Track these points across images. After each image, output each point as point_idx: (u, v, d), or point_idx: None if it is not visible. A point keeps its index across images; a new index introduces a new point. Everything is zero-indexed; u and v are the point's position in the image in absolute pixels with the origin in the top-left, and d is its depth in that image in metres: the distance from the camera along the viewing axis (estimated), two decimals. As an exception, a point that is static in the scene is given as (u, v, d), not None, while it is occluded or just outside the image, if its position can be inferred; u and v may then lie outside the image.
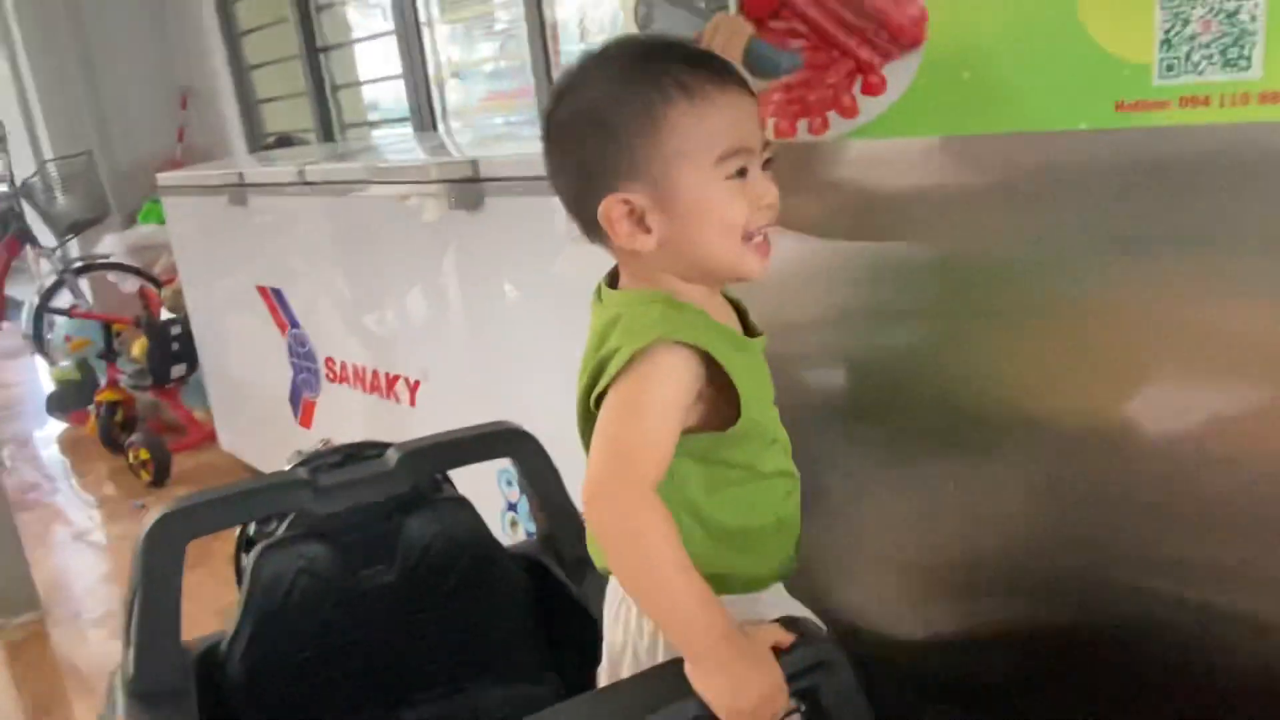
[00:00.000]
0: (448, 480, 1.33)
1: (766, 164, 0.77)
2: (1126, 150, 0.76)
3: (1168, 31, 0.71)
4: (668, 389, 0.72)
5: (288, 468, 1.24)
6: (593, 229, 0.78)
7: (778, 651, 0.73)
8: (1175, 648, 0.85)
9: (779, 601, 0.85)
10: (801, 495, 0.85)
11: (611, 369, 0.73)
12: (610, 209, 0.75)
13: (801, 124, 0.97)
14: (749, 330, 0.85)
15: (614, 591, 0.87)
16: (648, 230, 0.75)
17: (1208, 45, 0.69)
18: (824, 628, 0.80)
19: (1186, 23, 0.69)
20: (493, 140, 2.59)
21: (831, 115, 0.94)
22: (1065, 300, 0.84)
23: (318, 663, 1.18)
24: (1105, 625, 0.90)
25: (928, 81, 0.85)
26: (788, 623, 0.76)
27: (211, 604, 2.11)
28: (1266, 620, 0.79)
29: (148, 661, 1.08)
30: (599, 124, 0.75)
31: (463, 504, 1.27)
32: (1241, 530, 0.78)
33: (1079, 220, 0.81)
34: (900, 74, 0.87)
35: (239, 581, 1.19)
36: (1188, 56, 0.70)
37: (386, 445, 1.27)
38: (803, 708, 0.75)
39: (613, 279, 0.84)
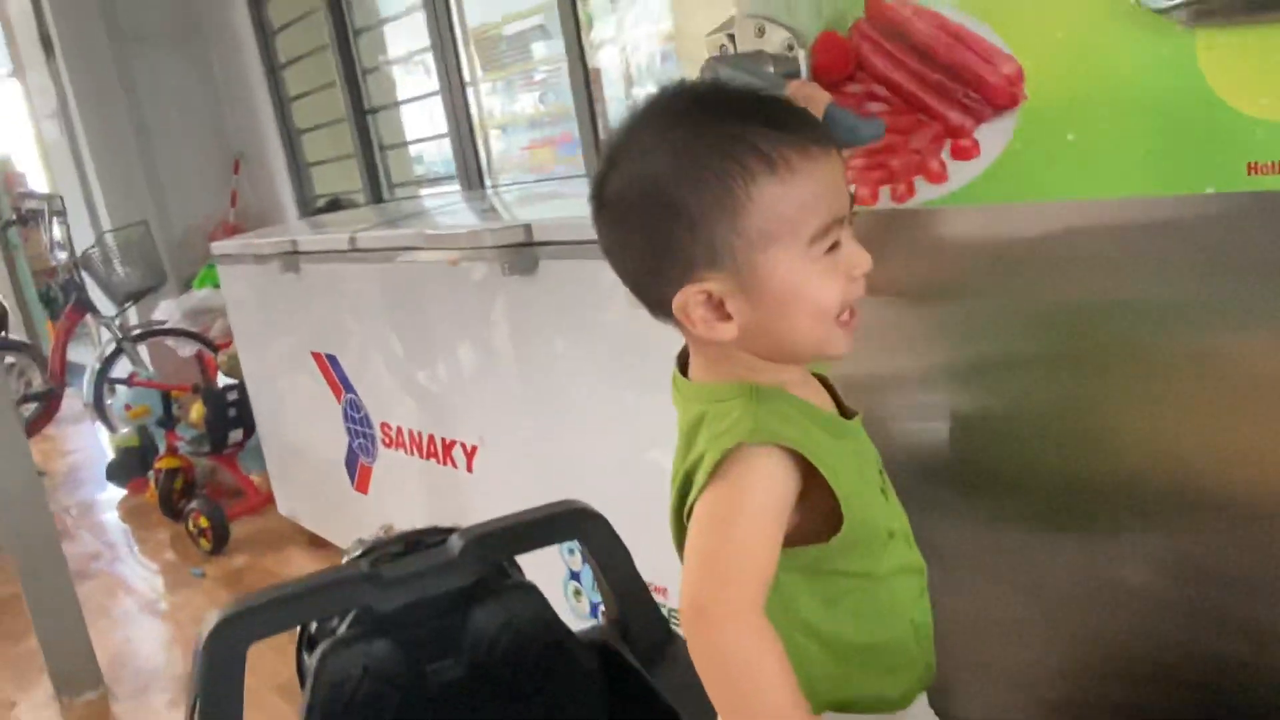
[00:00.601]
0: (514, 564, 1.28)
1: (850, 222, 0.70)
2: (1259, 215, 0.68)
3: (1306, 86, 0.64)
4: (761, 495, 0.65)
5: (347, 559, 1.20)
6: (663, 314, 0.71)
7: None
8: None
9: None
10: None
11: (699, 479, 0.66)
12: (687, 301, 0.68)
13: (884, 190, 0.91)
14: (843, 410, 0.77)
15: None
16: (728, 318, 0.68)
17: (1354, 100, 0.62)
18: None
19: (1327, 76, 0.63)
20: (540, 199, 2.56)
21: (918, 180, 0.87)
22: (1189, 365, 0.77)
23: (386, 768, 1.12)
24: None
25: (1026, 144, 0.79)
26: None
27: (271, 678, 2.08)
28: None
29: (212, 777, 1.03)
30: (668, 205, 0.66)
31: (530, 591, 1.21)
32: None
33: (1199, 283, 0.74)
34: (995, 136, 0.80)
35: (301, 684, 1.14)
36: (1330, 112, 0.63)
37: (449, 531, 1.22)
38: None
39: (684, 361, 0.77)
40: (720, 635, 0.63)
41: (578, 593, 1.92)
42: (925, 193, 0.87)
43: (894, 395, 1.01)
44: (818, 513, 0.69)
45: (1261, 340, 0.72)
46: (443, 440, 2.20)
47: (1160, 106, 0.71)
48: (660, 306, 0.70)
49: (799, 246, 0.66)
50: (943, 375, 0.95)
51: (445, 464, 2.22)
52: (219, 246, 3.01)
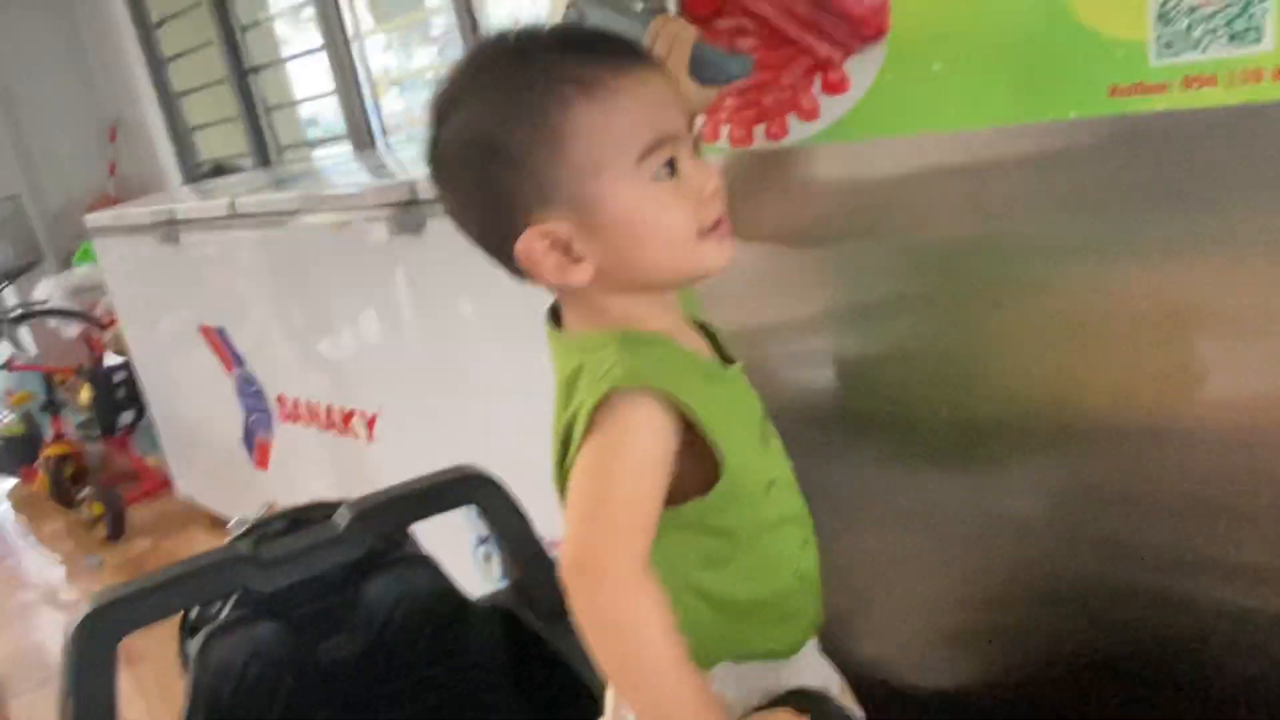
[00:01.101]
0: (407, 535, 1.23)
1: (695, 146, 0.67)
2: (1123, 138, 0.68)
3: (1163, 4, 0.62)
4: (641, 443, 0.63)
5: (229, 540, 1.14)
6: (516, 267, 0.68)
7: None
8: (1214, 655, 0.78)
9: (805, 666, 0.75)
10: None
11: (578, 428, 0.64)
12: (529, 246, 0.65)
13: (759, 130, 0.88)
14: (724, 357, 0.75)
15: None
16: (578, 259, 0.65)
17: (1210, 18, 0.61)
18: (841, 707, 0.71)
19: (1184, -6, 0.61)
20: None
21: (791, 119, 0.85)
22: (1065, 296, 0.77)
23: (279, 754, 1.08)
24: (1141, 637, 0.82)
25: (894, 76, 0.77)
26: (799, 702, 0.67)
27: (165, 695, 2.00)
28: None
29: (86, 778, 0.98)
30: (490, 149, 0.64)
31: (424, 562, 1.18)
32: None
33: (1072, 213, 0.73)
34: (864, 69, 0.78)
35: (184, 673, 1.08)
36: (1188, 31, 0.62)
37: (336, 505, 1.17)
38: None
39: (557, 313, 0.74)
40: (602, 594, 0.61)
41: (488, 557, 1.88)
42: (799, 131, 0.85)
43: (776, 339, 0.99)
44: (697, 464, 0.67)
45: (1129, 265, 0.72)
46: (341, 410, 2.13)
47: (1022, 32, 0.69)
48: (511, 261, 0.67)
49: (628, 168, 0.63)
50: (823, 317, 0.94)
51: (346, 434, 2.15)
52: (93, 219, 2.85)
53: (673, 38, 0.80)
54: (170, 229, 2.42)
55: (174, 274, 2.56)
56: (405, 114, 3.46)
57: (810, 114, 0.83)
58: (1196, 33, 0.62)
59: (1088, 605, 0.86)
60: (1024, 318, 0.80)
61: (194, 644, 1.06)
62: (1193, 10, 0.61)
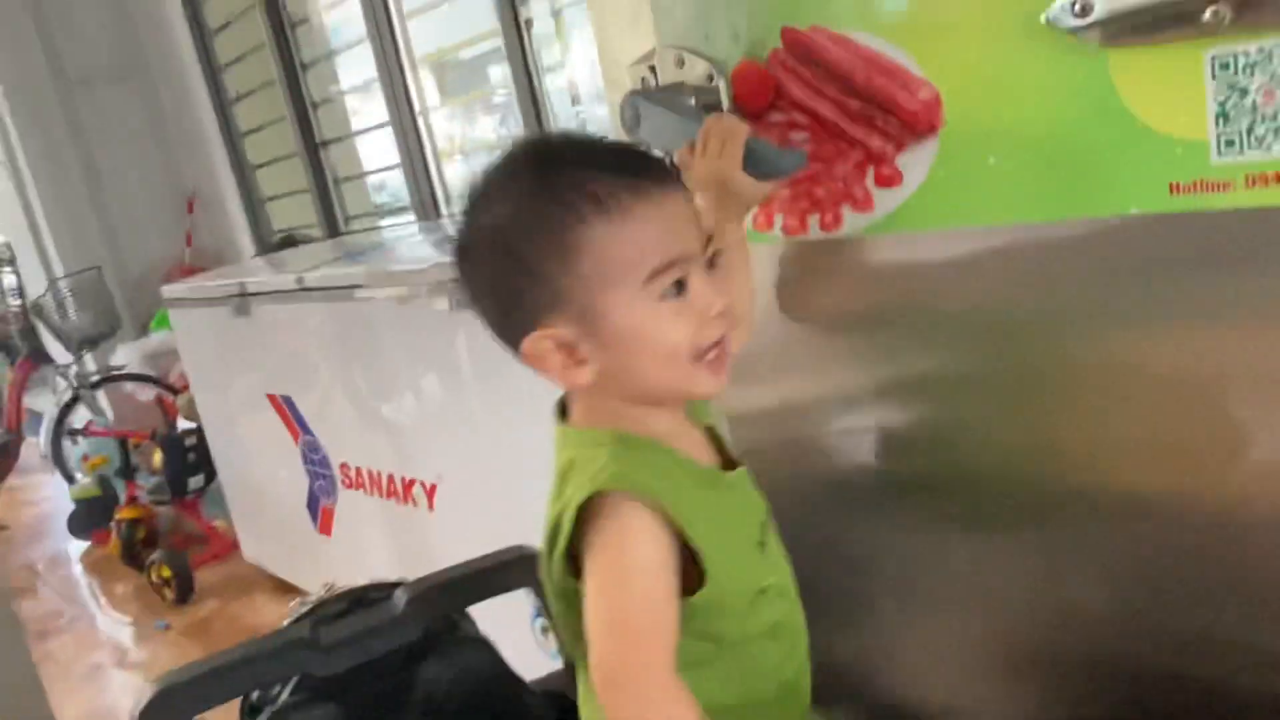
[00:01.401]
0: (465, 615, 1.23)
1: (712, 262, 0.69)
2: (1185, 237, 0.66)
3: (1222, 104, 0.62)
4: (643, 551, 0.65)
5: (288, 622, 1.15)
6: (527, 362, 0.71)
7: None
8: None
9: None
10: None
11: (565, 525, 0.66)
12: (536, 347, 0.68)
13: (813, 219, 0.88)
14: (727, 461, 0.76)
15: None
16: (582, 361, 0.68)
17: (1275, 116, 0.60)
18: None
19: (1245, 93, 0.60)
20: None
21: (845, 209, 0.85)
22: (1119, 379, 0.75)
23: (337, 841, 1.07)
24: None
25: (948, 170, 0.77)
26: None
27: None
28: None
29: None
30: (508, 252, 0.67)
31: (481, 644, 1.17)
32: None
33: (1125, 301, 0.72)
34: (917, 162, 0.78)
35: (245, 755, 1.09)
36: (1250, 130, 0.61)
37: (394, 585, 1.18)
38: None
39: (565, 406, 0.76)
40: (635, 708, 0.62)
41: (546, 629, 1.87)
42: (853, 221, 0.85)
43: (831, 419, 0.98)
44: (685, 567, 0.68)
45: (1192, 352, 0.70)
46: (402, 479, 2.16)
47: (1079, 128, 0.68)
48: (521, 354, 0.71)
49: (635, 287, 0.65)
50: (878, 398, 0.93)
51: (406, 503, 2.17)
52: (169, 290, 2.95)
53: (726, 134, 0.81)
54: (242, 301, 2.50)
55: (244, 344, 2.64)
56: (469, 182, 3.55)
57: (864, 205, 0.83)
58: (1260, 130, 0.61)
59: (1144, 696, 0.82)
60: (1073, 399, 0.77)
61: (254, 726, 1.07)
62: (1254, 110, 0.60)
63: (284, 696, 1.11)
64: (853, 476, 1.00)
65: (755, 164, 0.81)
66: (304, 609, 1.18)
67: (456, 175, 3.42)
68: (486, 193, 0.69)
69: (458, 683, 1.13)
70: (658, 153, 0.73)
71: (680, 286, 0.66)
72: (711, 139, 0.82)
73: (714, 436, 0.77)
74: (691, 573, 0.67)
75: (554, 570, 0.70)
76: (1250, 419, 0.69)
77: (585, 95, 2.65)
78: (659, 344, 0.66)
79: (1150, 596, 0.78)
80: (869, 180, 0.82)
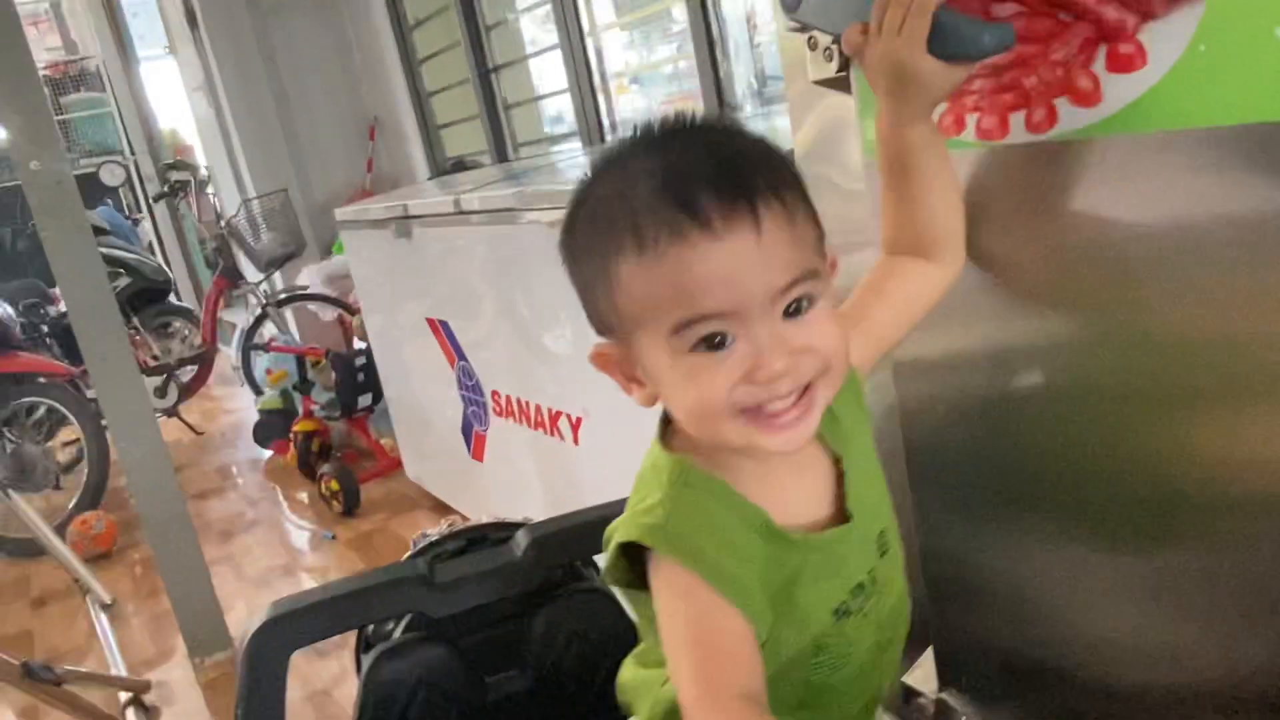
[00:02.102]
0: (590, 563, 1.14)
1: (797, 308, 0.59)
2: None
3: None
4: (695, 600, 0.60)
5: (407, 556, 1.09)
6: None
7: None
8: None
9: None
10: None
11: (609, 556, 0.65)
12: (597, 354, 0.66)
13: (1017, 119, 0.70)
14: (843, 509, 0.67)
15: None
16: (638, 382, 0.64)
17: None
18: None
19: None
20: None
21: (1062, 103, 0.66)
22: None
23: (441, 787, 1.02)
24: None
25: (1214, 45, 0.56)
26: None
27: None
28: None
29: (250, 788, 0.96)
30: (571, 260, 0.65)
31: (603, 595, 1.08)
32: None
33: None
34: (1168, 37, 0.58)
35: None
36: None
37: (516, 526, 1.10)
38: None
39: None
40: None
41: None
42: (1073, 118, 0.66)
43: (1008, 381, 0.80)
44: None
45: None
46: (549, 411, 2.10)
47: None
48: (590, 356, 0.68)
49: (661, 336, 0.59)
50: (1074, 357, 0.74)
51: (552, 435, 2.12)
52: (341, 213, 3.01)
53: (908, 4, 0.65)
54: (403, 224, 2.49)
55: (406, 266, 2.64)
56: (645, 112, 3.43)
57: (1090, 98, 0.64)
58: None
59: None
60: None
61: (366, 660, 1.03)
62: None
63: (397, 633, 1.06)
64: (1017, 448, 0.83)
65: (945, 42, 0.64)
66: (424, 543, 1.12)
67: (629, 103, 3.31)
68: (581, 192, 0.64)
69: (576, 634, 1.05)
70: (749, 175, 0.58)
71: (718, 342, 0.58)
72: (891, 10, 0.65)
73: (840, 470, 0.69)
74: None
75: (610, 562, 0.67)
76: None
77: (763, 25, 2.46)
78: (685, 395, 0.60)
79: None
80: (1099, 63, 0.63)
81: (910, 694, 1.00)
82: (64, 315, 3.95)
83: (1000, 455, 0.84)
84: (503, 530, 1.11)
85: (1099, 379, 0.72)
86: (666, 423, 0.68)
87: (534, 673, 1.04)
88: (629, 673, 0.81)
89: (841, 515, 0.68)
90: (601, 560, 0.69)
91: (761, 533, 0.63)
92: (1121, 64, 0.61)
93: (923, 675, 1.00)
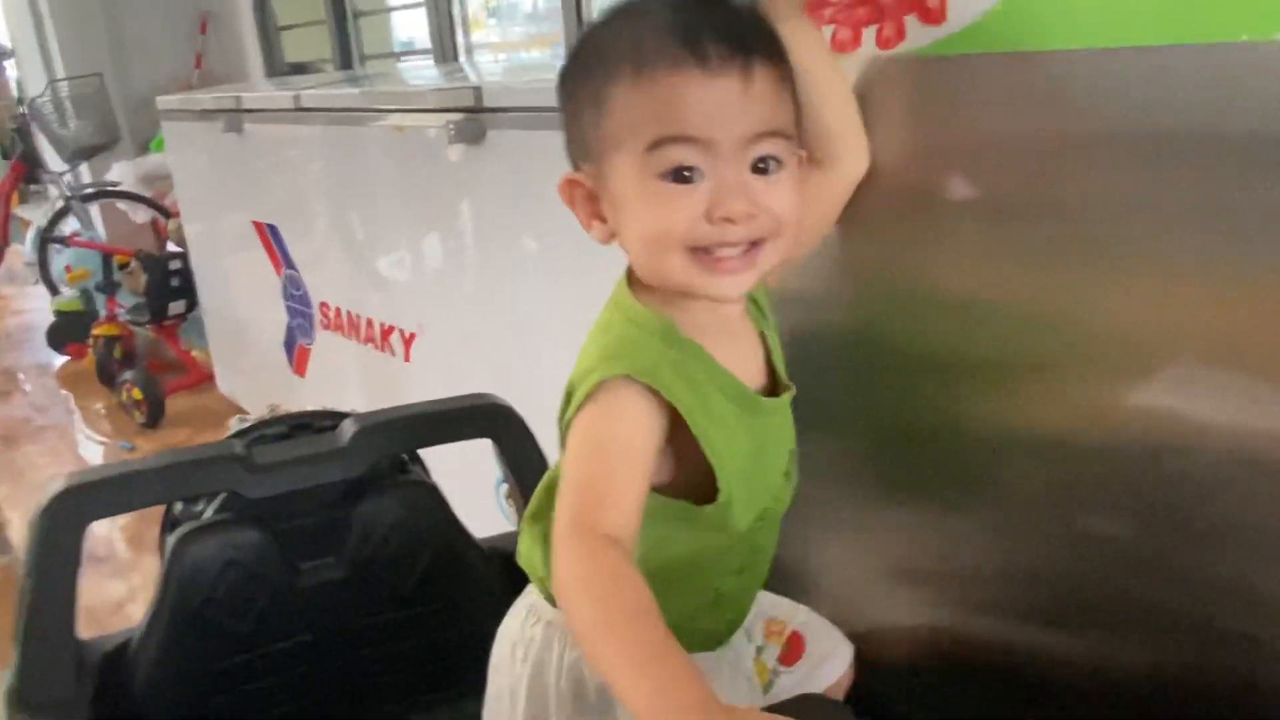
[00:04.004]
0: (416, 460, 1.14)
1: (764, 167, 0.62)
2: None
3: None
4: (628, 430, 0.62)
5: (226, 438, 1.05)
6: None
7: None
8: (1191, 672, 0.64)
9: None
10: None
11: (577, 397, 0.64)
12: (562, 188, 0.68)
13: (869, 33, 0.73)
14: (775, 382, 0.73)
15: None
16: (600, 218, 0.67)
17: None
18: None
19: None
20: (520, 70, 2.34)
21: (911, 20, 0.70)
22: (1211, 280, 0.61)
23: (245, 671, 1.00)
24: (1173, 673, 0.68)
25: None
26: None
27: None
28: None
29: (36, 665, 0.91)
30: (566, 84, 0.67)
31: (427, 489, 1.08)
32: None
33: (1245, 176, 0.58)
34: (1013, -41, 0.63)
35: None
36: None
37: (343, 415, 1.08)
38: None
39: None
40: (578, 559, 0.58)
41: (510, 496, 1.79)
42: (917, 36, 0.70)
43: (862, 294, 0.85)
44: (691, 471, 0.66)
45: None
46: (381, 325, 2.05)
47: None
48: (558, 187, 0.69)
49: (637, 155, 0.62)
50: (897, 284, 0.80)
51: (383, 350, 2.07)
52: (164, 101, 2.79)
53: None
54: (235, 118, 2.34)
55: (235, 165, 2.49)
56: (499, 41, 3.35)
57: (935, 15, 0.68)
58: None
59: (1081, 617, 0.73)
60: (1168, 284, 0.64)
61: (171, 539, 0.98)
62: None
63: (208, 513, 1.02)
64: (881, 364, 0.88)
65: None
66: (244, 426, 1.08)
67: (483, 38, 3.22)
68: (595, 23, 0.66)
69: (397, 526, 1.04)
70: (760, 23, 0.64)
71: (686, 174, 0.61)
72: None
73: (767, 347, 0.73)
74: (693, 477, 0.66)
75: (561, 431, 0.67)
76: None
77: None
78: (643, 220, 0.63)
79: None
80: (949, -18, 0.67)
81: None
82: None
83: (863, 369, 0.88)
84: (329, 419, 1.08)
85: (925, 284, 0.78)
86: (631, 277, 0.69)
87: (351, 561, 1.03)
88: (525, 541, 0.82)
89: (774, 387, 0.72)
90: (561, 412, 0.69)
91: (735, 399, 0.67)
92: (969, -17, 0.66)
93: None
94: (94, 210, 4.02)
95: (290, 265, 2.38)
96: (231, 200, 2.60)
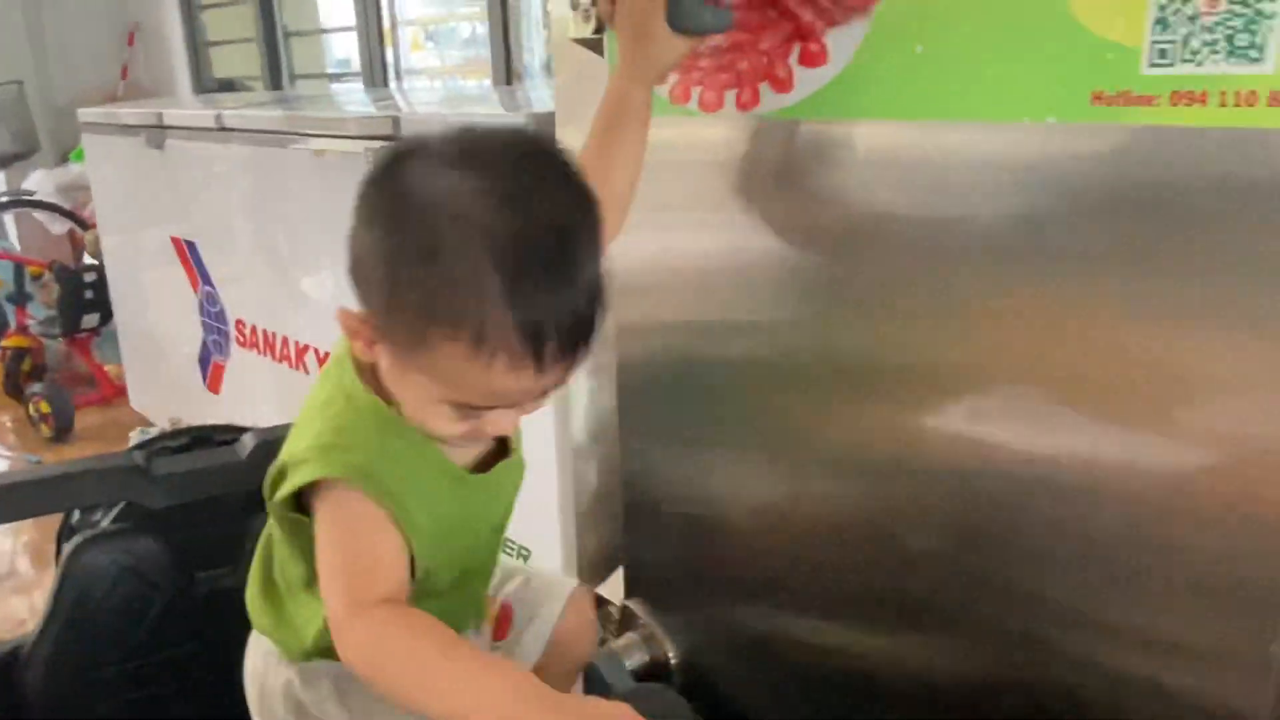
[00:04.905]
0: (317, 474, 1.17)
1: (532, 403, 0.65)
2: (1102, 151, 0.62)
3: (1163, 8, 0.57)
4: (369, 526, 0.65)
5: (126, 450, 1.08)
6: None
7: None
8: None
9: None
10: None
11: (292, 481, 0.66)
12: (346, 318, 0.65)
13: (730, 96, 0.82)
14: (504, 448, 0.75)
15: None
16: (373, 345, 0.64)
17: (1212, 29, 0.55)
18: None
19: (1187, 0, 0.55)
20: (450, 103, 2.40)
21: (764, 88, 0.79)
22: (1017, 302, 0.70)
23: (137, 679, 1.02)
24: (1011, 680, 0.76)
25: (875, 54, 0.71)
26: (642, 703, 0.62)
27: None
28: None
29: (-77, 668, 0.92)
30: (393, 264, 0.60)
31: (327, 503, 1.12)
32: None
33: (1035, 221, 0.67)
34: (845, 42, 0.72)
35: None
36: (1186, 41, 0.56)
37: (243, 430, 1.11)
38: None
39: None
40: (379, 625, 0.62)
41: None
42: (770, 102, 0.79)
43: (718, 322, 0.93)
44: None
45: (1104, 284, 0.65)
46: (295, 344, 2.07)
47: (1012, 19, 0.63)
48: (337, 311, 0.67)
49: (436, 388, 0.62)
50: (749, 301, 0.88)
51: (297, 369, 2.09)
52: (85, 113, 2.77)
53: None
54: (157, 134, 2.35)
55: (155, 181, 2.49)
56: (435, 66, 3.39)
57: (784, 85, 0.77)
58: (1194, 43, 0.56)
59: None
60: (968, 324, 0.73)
61: (67, 547, 1.01)
62: (1194, 18, 0.56)
63: (104, 523, 1.04)
64: (727, 385, 0.96)
65: (679, 16, 0.74)
66: (146, 438, 1.11)
67: (421, 60, 3.26)
68: (422, 149, 0.61)
69: (295, 538, 1.08)
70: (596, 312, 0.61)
71: (465, 412, 0.63)
72: None
73: None
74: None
75: (274, 498, 0.69)
76: (1142, 353, 0.65)
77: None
78: (415, 411, 0.65)
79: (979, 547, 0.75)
80: (794, 57, 0.76)
81: (600, 602, 1.12)
82: None
83: (701, 388, 0.96)
84: (229, 433, 1.12)
85: (780, 307, 0.86)
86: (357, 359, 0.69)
87: (247, 571, 1.06)
88: (257, 598, 0.83)
89: (505, 451, 0.75)
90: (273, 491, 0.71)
91: (449, 476, 0.70)
92: (810, 59, 0.75)
93: (611, 589, 1.12)
94: (8, 219, 3.94)
95: (208, 282, 2.39)
96: (150, 215, 2.60)
